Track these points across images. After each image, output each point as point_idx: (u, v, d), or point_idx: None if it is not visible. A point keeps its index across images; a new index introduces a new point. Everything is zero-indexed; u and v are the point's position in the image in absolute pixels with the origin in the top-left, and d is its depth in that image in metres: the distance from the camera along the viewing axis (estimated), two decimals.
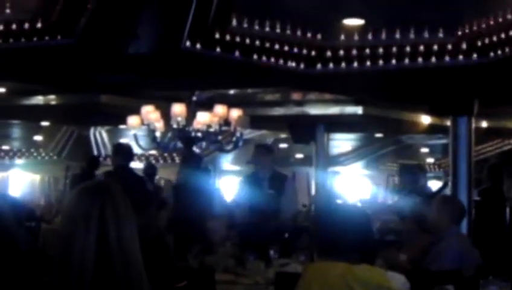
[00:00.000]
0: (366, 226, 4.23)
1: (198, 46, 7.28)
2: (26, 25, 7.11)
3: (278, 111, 13.26)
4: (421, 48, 8.32)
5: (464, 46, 8.22)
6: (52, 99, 12.51)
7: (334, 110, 12.85)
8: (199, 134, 10.64)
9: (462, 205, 6.93)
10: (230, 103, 10.88)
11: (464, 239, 6.71)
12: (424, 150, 20.54)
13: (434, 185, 21.12)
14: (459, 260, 6.23)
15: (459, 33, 8.12)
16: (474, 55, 8.24)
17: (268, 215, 8.43)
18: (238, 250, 7.27)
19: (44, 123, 15.96)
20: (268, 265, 6.86)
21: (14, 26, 7.20)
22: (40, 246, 11.30)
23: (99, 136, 17.25)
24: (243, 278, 6.36)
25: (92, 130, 16.95)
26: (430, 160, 21.61)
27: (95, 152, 17.52)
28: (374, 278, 3.94)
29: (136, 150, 10.78)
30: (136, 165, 18.60)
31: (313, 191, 14.99)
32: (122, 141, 16.89)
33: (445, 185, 10.88)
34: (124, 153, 9.38)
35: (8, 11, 7.24)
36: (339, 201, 15.90)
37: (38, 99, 12.50)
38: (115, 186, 2.71)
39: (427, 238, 6.62)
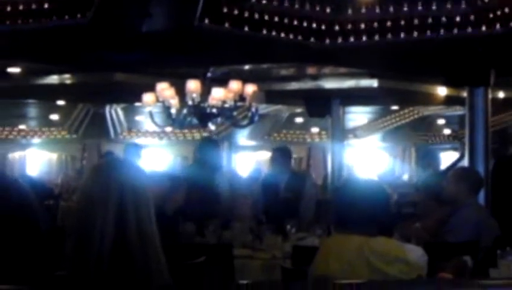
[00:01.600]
0: (382, 198, 4.24)
1: (209, 22, 7.25)
2: (33, 6, 7.08)
3: (293, 86, 13.22)
4: (436, 19, 8.24)
5: (481, 16, 8.13)
6: (67, 78, 12.52)
7: (349, 83, 12.79)
8: (214, 110, 10.62)
9: (479, 175, 6.92)
10: (245, 79, 10.85)
11: (482, 210, 6.71)
12: (441, 121, 20.46)
13: (450, 156, 21.16)
14: (477, 230, 6.23)
15: (478, 3, 8.04)
16: (491, 26, 8.16)
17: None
18: (255, 225, 7.30)
19: (60, 102, 16.02)
20: (285, 239, 6.88)
21: (21, 7, 7.17)
22: (59, 224, 11.39)
23: (115, 113, 17.29)
24: (260, 253, 6.39)
25: (107, 108, 16.98)
26: (447, 131, 21.52)
27: (111, 130, 17.58)
28: (391, 251, 3.94)
29: (152, 127, 10.82)
30: (155, 141, 18.69)
31: (329, 165, 14.98)
32: (138, 118, 16.95)
33: (461, 157, 10.86)
34: None
35: None
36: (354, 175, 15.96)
37: (53, 79, 12.51)
38: (132, 163, 2.71)
39: (444, 210, 6.61)
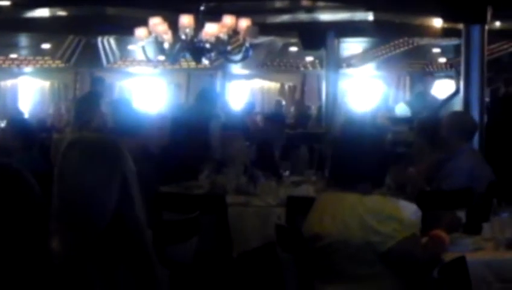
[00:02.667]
0: (378, 154, 4.21)
1: None
2: None
3: (288, 18, 13.07)
4: None
5: None
6: (57, 10, 12.34)
7: (344, 16, 12.65)
8: (207, 45, 10.51)
9: (472, 121, 6.86)
10: (239, 11, 10.70)
11: (476, 156, 6.67)
12: (436, 50, 20.30)
13: (446, 84, 21.09)
14: (471, 177, 6.21)
15: None
16: None
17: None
18: (249, 166, 7.27)
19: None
20: (279, 183, 6.87)
21: None
22: (52, 158, 11.37)
23: (107, 43, 17.09)
24: (255, 199, 6.38)
25: (99, 38, 16.79)
26: (442, 60, 21.38)
27: (103, 59, 17.42)
28: (385, 209, 3.95)
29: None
30: (148, 70, 18.55)
31: (323, 94, 14.92)
32: (131, 47, 16.76)
33: (456, 92, 10.81)
34: None
35: None
36: (349, 109, 15.89)
37: (44, 11, 12.33)
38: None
39: (438, 155, 6.59)
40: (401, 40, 18.58)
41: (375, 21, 12.58)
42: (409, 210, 4.08)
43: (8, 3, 11.67)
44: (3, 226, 2.13)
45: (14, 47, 17.21)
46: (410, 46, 18.86)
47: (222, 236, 5.81)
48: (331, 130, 8.75)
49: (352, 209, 3.95)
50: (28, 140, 6.44)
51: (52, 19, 12.57)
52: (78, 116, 12.33)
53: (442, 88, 20.81)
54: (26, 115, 15.54)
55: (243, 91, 20.85)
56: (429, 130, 7.03)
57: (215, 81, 19.58)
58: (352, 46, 18.45)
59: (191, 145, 7.66)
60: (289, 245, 4.36)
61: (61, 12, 12.57)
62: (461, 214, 4.89)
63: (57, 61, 17.66)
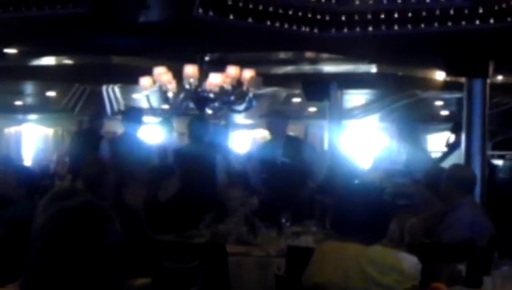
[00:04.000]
0: (379, 206, 4.24)
1: (210, 13, 7.20)
2: None
3: (291, 69, 13.18)
4: (437, 12, 8.20)
5: (481, 10, 8.09)
6: (63, 59, 12.46)
7: (347, 68, 12.76)
8: (211, 95, 10.60)
9: (473, 175, 6.88)
10: (243, 62, 10.81)
11: (478, 209, 6.67)
12: (438, 103, 20.39)
13: (448, 137, 21.12)
14: (472, 230, 6.21)
15: None
16: (491, 20, 8.12)
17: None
18: (250, 216, 7.27)
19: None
20: (280, 233, 6.86)
21: None
22: None
23: (112, 91, 17.21)
24: (255, 249, 6.37)
25: (104, 87, 16.91)
26: (444, 112, 21.45)
27: (108, 108, 17.51)
28: (387, 260, 3.95)
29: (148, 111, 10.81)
30: (151, 119, 18.60)
31: (325, 146, 14.97)
32: (135, 96, 16.86)
33: (457, 145, 10.85)
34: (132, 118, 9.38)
35: None
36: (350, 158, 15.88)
37: (50, 60, 12.45)
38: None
39: (440, 206, 6.60)
40: (404, 93, 18.68)
41: (378, 73, 12.69)
42: (410, 262, 4.08)
43: (14, 51, 11.80)
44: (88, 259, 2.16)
45: (20, 94, 17.34)
46: (414, 98, 18.95)
47: (222, 286, 5.79)
48: (332, 181, 8.75)
49: (354, 259, 3.95)
50: (31, 187, 6.45)
51: (58, 67, 12.70)
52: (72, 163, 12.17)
53: (444, 140, 20.85)
54: (30, 162, 15.58)
55: (245, 140, 20.90)
56: (431, 181, 7.06)
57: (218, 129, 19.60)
58: (355, 97, 18.55)
59: (194, 190, 7.69)
60: None
61: (67, 61, 12.70)
62: (461, 267, 4.88)
63: (62, 109, 17.77)
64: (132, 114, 9.79)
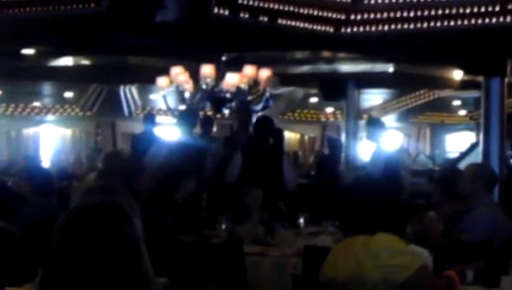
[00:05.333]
0: (392, 203, 4.23)
1: (226, 12, 7.19)
2: None
3: (308, 69, 13.16)
4: (454, 10, 8.16)
5: (498, 8, 8.04)
6: (81, 60, 12.51)
7: (364, 67, 12.72)
8: (228, 95, 10.58)
9: (493, 172, 6.83)
10: (260, 62, 10.78)
11: (497, 209, 6.62)
12: (456, 102, 20.33)
13: (466, 136, 21.04)
14: (491, 230, 6.16)
15: None
16: (509, 17, 8.07)
17: None
18: (267, 217, 7.27)
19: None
20: (296, 233, 6.85)
21: None
22: (72, 204, 11.37)
23: (129, 92, 17.27)
24: (272, 249, 6.34)
25: (121, 87, 16.97)
26: (462, 112, 21.39)
27: (125, 108, 17.57)
28: (396, 245, 3.94)
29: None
30: (169, 120, 18.62)
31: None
32: (152, 96, 16.92)
33: (475, 145, 10.80)
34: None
35: None
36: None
37: (67, 60, 12.50)
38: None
39: (456, 206, 6.55)
40: (421, 92, 18.64)
41: (396, 73, 12.64)
42: (421, 252, 4.08)
43: (32, 51, 11.85)
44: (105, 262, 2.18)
45: (37, 95, 17.43)
46: (431, 98, 18.90)
47: (239, 286, 5.77)
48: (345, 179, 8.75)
49: (364, 247, 3.93)
50: (47, 187, 6.47)
51: (76, 68, 12.74)
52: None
53: (462, 140, 20.81)
54: (48, 163, 15.64)
55: None
56: (447, 182, 7.00)
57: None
58: (372, 97, 18.51)
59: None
60: None
61: (85, 62, 12.74)
62: (469, 272, 4.85)
63: (78, 110, 17.84)
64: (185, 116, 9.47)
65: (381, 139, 8.85)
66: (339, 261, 3.99)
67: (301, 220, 7.09)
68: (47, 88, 17.08)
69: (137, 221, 2.34)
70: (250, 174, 8.03)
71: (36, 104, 17.94)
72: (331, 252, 4.19)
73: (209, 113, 10.89)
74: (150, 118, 11.83)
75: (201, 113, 10.43)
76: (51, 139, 19.40)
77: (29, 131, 19.09)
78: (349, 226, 4.11)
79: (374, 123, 8.99)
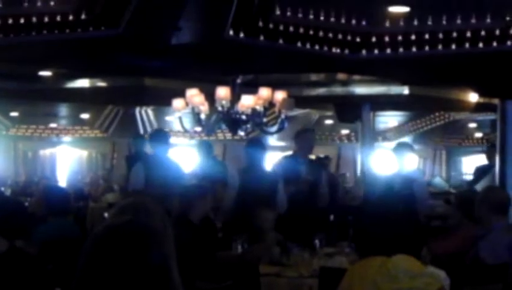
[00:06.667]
0: (406, 224, 4.22)
1: (241, 35, 7.23)
2: (71, 17, 7.13)
3: (323, 91, 13.18)
4: (468, 33, 8.17)
5: None
6: (97, 81, 12.59)
7: (380, 89, 12.73)
8: (244, 116, 10.59)
9: (507, 196, 6.79)
10: (275, 84, 10.82)
11: None
12: (472, 125, 20.30)
13: (482, 159, 20.97)
14: (508, 252, 6.13)
15: (507, 18, 7.96)
16: None
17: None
18: (283, 238, 7.27)
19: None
20: (312, 254, 6.85)
21: (59, 18, 7.23)
22: (88, 226, 11.42)
23: (145, 113, 17.35)
24: (288, 270, 6.35)
25: (137, 108, 17.06)
26: (478, 134, 21.35)
27: (141, 129, 17.64)
28: (415, 267, 3.92)
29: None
30: (185, 141, 18.71)
31: (358, 168, 14.94)
32: (168, 118, 16.99)
33: (490, 168, 10.76)
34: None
35: (52, 3, 7.27)
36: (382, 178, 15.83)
37: (84, 82, 12.58)
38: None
39: (474, 228, 6.53)
40: (437, 114, 18.62)
41: (411, 95, 12.64)
42: (438, 273, 4.06)
43: (49, 73, 11.94)
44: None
45: (54, 116, 17.54)
46: (447, 120, 18.88)
47: None
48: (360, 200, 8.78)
49: (381, 269, 3.91)
50: (64, 207, 6.51)
51: (92, 90, 12.82)
52: None
53: (478, 163, 20.74)
54: (64, 184, 15.73)
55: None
56: (464, 203, 6.99)
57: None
58: (387, 119, 18.51)
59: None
60: None
61: (101, 83, 12.82)
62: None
63: (95, 131, 17.92)
64: (158, 136, 9.73)
65: (407, 162, 8.92)
66: (355, 283, 3.97)
67: (316, 241, 7.09)
68: (63, 109, 17.20)
69: (167, 241, 2.35)
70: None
71: (53, 125, 18.07)
72: (347, 273, 4.17)
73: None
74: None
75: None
76: (67, 160, 19.51)
77: (45, 152, 19.22)
78: (366, 247, 4.09)
79: (403, 147, 9.06)
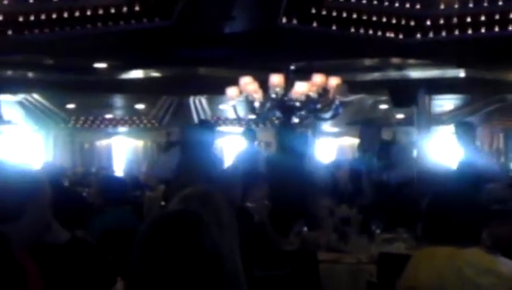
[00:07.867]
0: (474, 210, 4.16)
1: (294, 22, 7.21)
2: (125, 9, 7.19)
3: (378, 76, 13.08)
4: None
5: None
6: (151, 72, 12.67)
7: (435, 73, 12.58)
8: (298, 103, 10.59)
9: None
10: (329, 69, 10.77)
11: None
12: None
13: None
14: None
15: None
16: None
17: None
18: (340, 223, 7.24)
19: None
20: (370, 240, 6.80)
21: (113, 10, 7.30)
22: (146, 214, 11.52)
23: (199, 103, 17.42)
24: (346, 256, 6.32)
25: (191, 98, 17.14)
26: None
27: (195, 118, 17.71)
28: (484, 262, 3.86)
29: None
30: (238, 129, 18.74)
31: (414, 152, 14.79)
32: (222, 107, 17.03)
33: None
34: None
35: None
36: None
37: (138, 73, 12.68)
38: None
39: None
40: (494, 97, 18.32)
41: (467, 78, 12.47)
42: (508, 266, 3.99)
43: (104, 65, 12.07)
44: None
45: (109, 107, 17.73)
46: (504, 102, 18.56)
47: None
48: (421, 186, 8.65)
49: (449, 260, 3.86)
50: (121, 197, 6.57)
51: (146, 80, 12.92)
52: None
53: None
54: (120, 174, 15.90)
55: (331, 148, 20.83)
56: None
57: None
58: (444, 102, 18.28)
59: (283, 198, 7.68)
60: None
61: (155, 74, 12.90)
62: None
63: (151, 121, 18.06)
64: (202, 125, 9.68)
65: (472, 144, 8.68)
66: (421, 271, 3.93)
67: (374, 227, 7.04)
68: (119, 100, 17.36)
69: (229, 230, 2.37)
70: None
71: (108, 116, 18.25)
72: (412, 260, 4.13)
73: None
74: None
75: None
76: (123, 150, 19.70)
77: (102, 142, 19.43)
78: (435, 236, 4.05)
79: (465, 127, 8.80)
